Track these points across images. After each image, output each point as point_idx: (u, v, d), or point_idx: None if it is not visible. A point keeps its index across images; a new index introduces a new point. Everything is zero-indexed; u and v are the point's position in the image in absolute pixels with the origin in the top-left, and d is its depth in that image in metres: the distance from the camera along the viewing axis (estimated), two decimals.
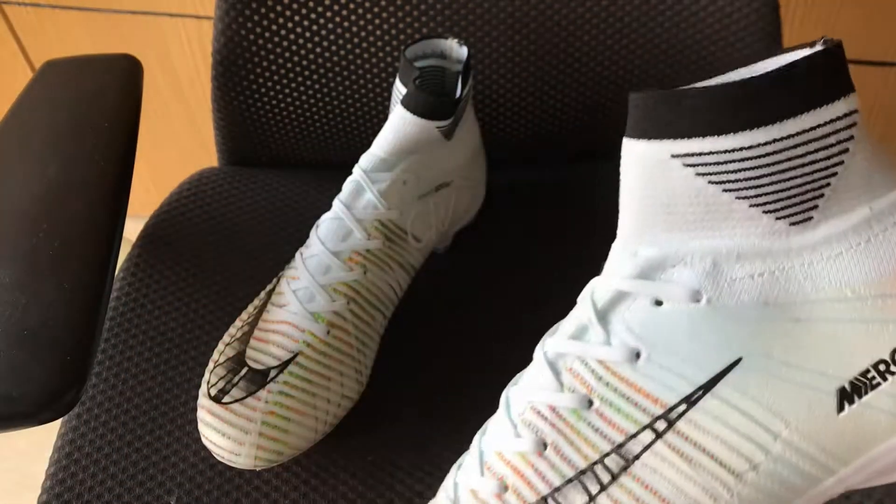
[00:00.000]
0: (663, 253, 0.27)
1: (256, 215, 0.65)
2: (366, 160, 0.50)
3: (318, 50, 0.64)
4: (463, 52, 0.53)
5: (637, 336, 0.27)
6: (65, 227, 0.47)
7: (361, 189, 0.50)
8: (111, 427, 0.50)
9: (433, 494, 0.47)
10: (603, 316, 0.28)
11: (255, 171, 0.69)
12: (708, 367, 0.26)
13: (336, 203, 0.50)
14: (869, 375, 0.24)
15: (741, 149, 0.24)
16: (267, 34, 0.63)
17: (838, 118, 0.24)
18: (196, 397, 0.51)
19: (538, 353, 0.32)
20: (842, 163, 0.24)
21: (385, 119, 0.67)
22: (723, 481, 0.25)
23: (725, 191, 0.25)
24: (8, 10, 1.03)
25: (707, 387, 0.26)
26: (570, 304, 0.36)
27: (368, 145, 0.52)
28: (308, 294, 0.48)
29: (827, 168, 0.24)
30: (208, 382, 0.47)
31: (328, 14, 0.62)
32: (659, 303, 0.27)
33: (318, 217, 0.51)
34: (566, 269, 0.60)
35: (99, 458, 0.49)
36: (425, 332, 0.55)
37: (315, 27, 0.63)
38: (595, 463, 0.27)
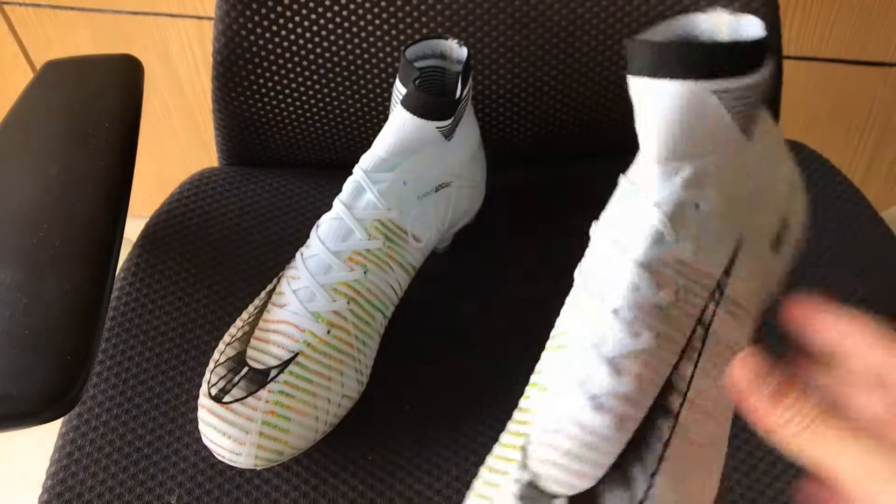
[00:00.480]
0: (695, 168, 0.34)
1: (256, 215, 0.65)
2: (366, 160, 0.50)
3: (318, 50, 0.64)
4: (463, 52, 0.53)
5: (693, 235, 0.35)
6: (65, 227, 0.47)
7: (362, 189, 0.50)
8: (112, 426, 0.50)
9: (433, 494, 0.47)
10: (673, 224, 0.35)
11: (255, 171, 0.69)
12: (730, 245, 0.36)
13: (336, 203, 0.50)
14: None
15: (751, 86, 0.33)
16: (267, 34, 0.63)
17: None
18: (196, 397, 0.51)
19: (627, 265, 0.35)
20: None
21: (385, 119, 0.67)
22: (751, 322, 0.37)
23: (734, 118, 0.34)
24: (9, 11, 1.03)
25: (733, 258, 0.36)
26: None
27: (368, 145, 0.51)
28: (308, 294, 0.48)
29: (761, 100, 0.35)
30: (209, 382, 0.47)
31: (328, 14, 0.62)
32: (697, 206, 0.35)
33: (319, 217, 0.51)
34: (566, 268, 0.60)
35: (100, 457, 0.49)
36: (425, 332, 0.56)
37: (315, 27, 0.63)
38: (689, 337, 0.35)
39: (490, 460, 0.37)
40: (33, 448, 1.08)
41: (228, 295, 0.58)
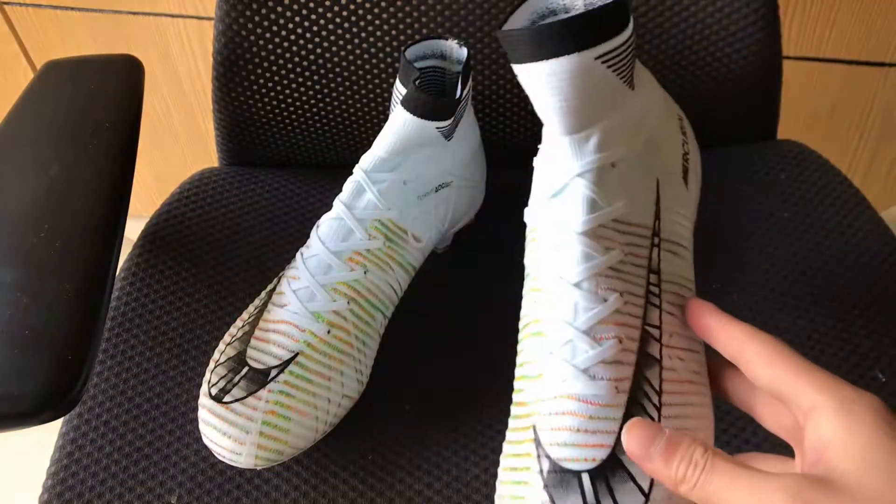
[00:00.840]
0: (601, 132, 0.36)
1: (256, 215, 0.65)
2: (366, 160, 0.50)
3: (318, 50, 0.64)
4: (463, 52, 0.53)
5: (617, 194, 0.37)
6: (66, 228, 0.47)
7: (362, 189, 0.50)
8: (112, 426, 0.50)
9: (433, 494, 0.47)
10: (599, 189, 0.37)
11: (255, 171, 0.69)
12: (652, 190, 0.39)
13: (336, 203, 0.50)
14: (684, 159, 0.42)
15: (625, 42, 0.35)
16: (267, 34, 0.63)
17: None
18: (197, 397, 0.51)
19: (573, 238, 0.37)
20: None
21: (385, 119, 0.67)
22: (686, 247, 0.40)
23: (618, 75, 0.36)
24: (9, 11, 1.03)
25: (657, 203, 0.39)
26: None
27: (368, 145, 0.51)
28: (308, 294, 0.48)
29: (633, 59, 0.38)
30: (209, 382, 0.47)
31: (328, 14, 0.62)
32: (614, 165, 0.37)
33: (319, 217, 0.51)
34: None
35: (100, 457, 0.49)
36: (425, 332, 0.56)
37: (315, 27, 0.63)
38: (647, 286, 0.37)
39: (507, 461, 0.37)
40: (33, 448, 1.08)
41: (228, 295, 0.58)
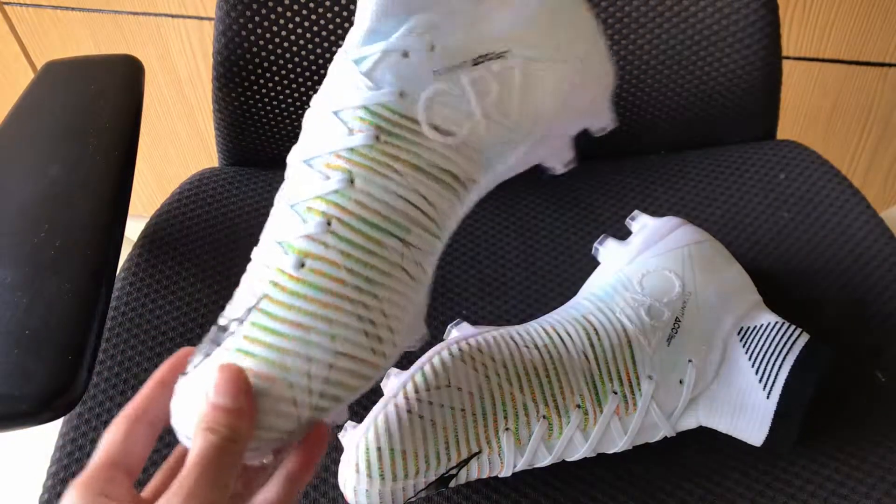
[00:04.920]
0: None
1: (256, 215, 0.65)
2: (348, 40, 0.37)
3: (318, 50, 0.64)
4: None
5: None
6: (66, 228, 0.47)
7: (342, 74, 0.36)
8: None
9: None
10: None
11: (255, 171, 0.69)
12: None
13: (313, 101, 0.38)
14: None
15: None
16: (267, 34, 0.63)
17: None
18: None
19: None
20: None
21: None
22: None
23: None
24: (9, 11, 1.03)
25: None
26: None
27: None
28: (274, 221, 0.36)
29: None
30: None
31: (328, 14, 0.62)
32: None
33: None
34: (566, 266, 0.60)
35: None
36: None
37: (315, 27, 0.63)
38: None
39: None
40: (33, 448, 1.08)
41: (228, 295, 0.58)
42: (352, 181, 0.35)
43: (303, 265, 0.34)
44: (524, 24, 0.38)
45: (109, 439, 0.32)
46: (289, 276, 0.34)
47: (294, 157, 0.37)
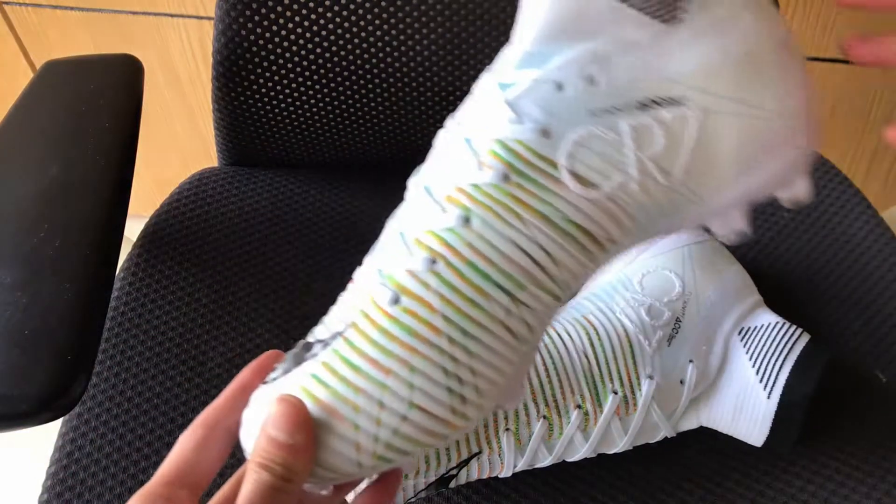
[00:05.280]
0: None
1: (256, 215, 0.65)
2: (500, 58, 0.33)
3: (318, 50, 0.64)
4: None
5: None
6: (65, 228, 0.47)
7: (485, 97, 0.32)
8: (112, 427, 0.50)
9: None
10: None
11: (255, 171, 0.69)
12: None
13: (447, 121, 0.34)
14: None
15: None
16: (267, 34, 0.63)
17: None
18: (197, 397, 0.51)
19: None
20: None
21: (383, 120, 0.67)
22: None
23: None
24: (9, 11, 1.03)
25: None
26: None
27: (369, 145, 0.51)
28: (382, 243, 0.33)
29: None
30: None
31: (328, 14, 0.62)
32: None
33: (318, 217, 0.50)
34: None
35: (100, 457, 0.49)
36: None
37: (315, 27, 0.63)
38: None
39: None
40: (33, 448, 1.08)
41: (228, 295, 0.58)
42: (468, 220, 0.31)
43: (398, 301, 0.31)
44: (714, 69, 0.32)
45: (181, 448, 0.31)
46: (381, 311, 0.31)
47: (415, 179, 0.33)
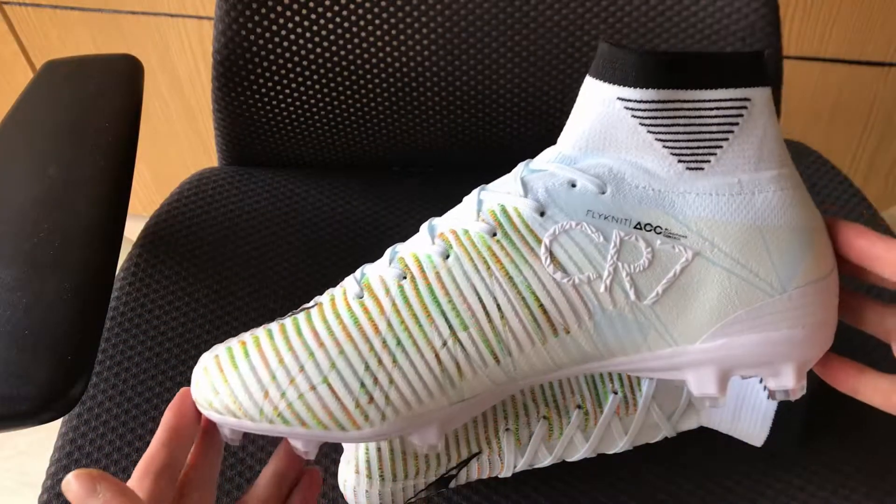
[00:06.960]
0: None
1: (256, 215, 0.65)
2: (547, 151, 0.36)
3: (318, 50, 0.64)
4: None
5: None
6: (65, 228, 0.47)
7: (514, 173, 0.36)
8: (112, 427, 0.50)
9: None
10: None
11: (255, 171, 0.69)
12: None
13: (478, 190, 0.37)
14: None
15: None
16: (267, 34, 0.63)
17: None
18: None
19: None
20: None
21: (383, 120, 0.67)
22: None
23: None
24: (9, 10, 1.03)
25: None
26: None
27: (369, 145, 0.51)
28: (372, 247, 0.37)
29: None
30: None
31: (328, 14, 0.62)
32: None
33: (318, 217, 0.50)
34: None
35: (99, 457, 0.49)
36: None
37: (315, 27, 0.63)
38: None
39: None
40: (33, 448, 1.08)
41: (228, 295, 0.58)
42: (447, 255, 0.34)
43: (361, 297, 0.35)
44: (721, 226, 0.32)
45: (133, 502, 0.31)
46: (344, 300, 0.35)
47: (435, 219, 0.36)
